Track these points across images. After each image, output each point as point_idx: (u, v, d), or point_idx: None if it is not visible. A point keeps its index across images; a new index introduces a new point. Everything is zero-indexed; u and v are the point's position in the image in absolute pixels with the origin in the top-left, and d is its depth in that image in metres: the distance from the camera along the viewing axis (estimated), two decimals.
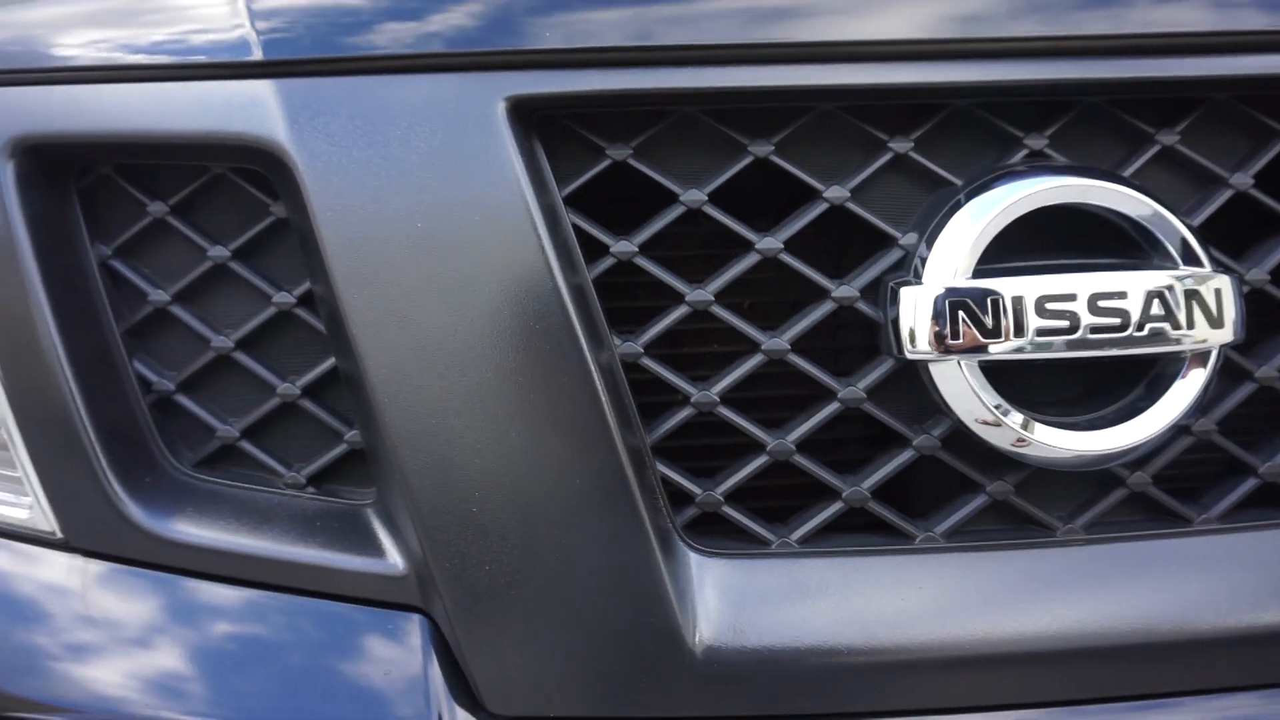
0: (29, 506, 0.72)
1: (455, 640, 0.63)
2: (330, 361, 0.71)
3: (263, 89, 0.65)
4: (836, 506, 0.67)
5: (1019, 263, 0.65)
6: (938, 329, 0.63)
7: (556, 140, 0.67)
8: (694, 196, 0.67)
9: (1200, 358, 0.63)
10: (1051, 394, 0.69)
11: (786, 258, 0.67)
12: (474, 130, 0.63)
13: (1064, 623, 0.62)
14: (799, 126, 0.68)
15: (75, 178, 0.74)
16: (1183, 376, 0.64)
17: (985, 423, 0.64)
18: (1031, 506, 0.67)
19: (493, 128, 0.63)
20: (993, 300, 0.62)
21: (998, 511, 0.68)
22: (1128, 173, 0.69)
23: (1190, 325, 0.63)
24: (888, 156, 0.68)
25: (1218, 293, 0.63)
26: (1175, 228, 0.64)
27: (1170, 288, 0.62)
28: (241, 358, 0.72)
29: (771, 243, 0.67)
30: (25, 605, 0.68)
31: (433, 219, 0.63)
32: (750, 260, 0.67)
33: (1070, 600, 0.63)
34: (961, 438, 0.66)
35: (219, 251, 0.72)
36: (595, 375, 0.62)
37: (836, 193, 0.68)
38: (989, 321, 0.62)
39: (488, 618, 0.62)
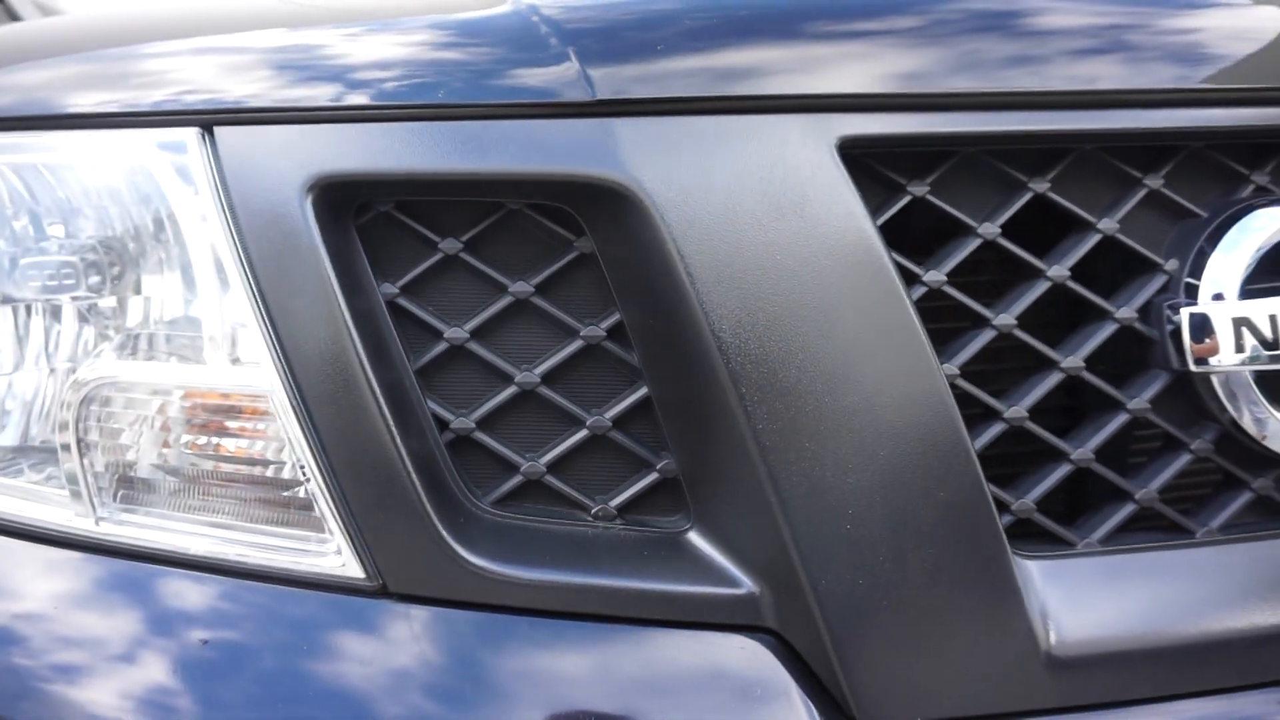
0: (335, 552, 0.69)
1: (825, 654, 0.65)
2: (641, 391, 0.73)
3: (607, 128, 0.67)
4: (1130, 508, 0.73)
5: (1265, 284, 0.74)
6: (1223, 344, 0.71)
7: (854, 177, 0.71)
8: (989, 229, 0.73)
9: None
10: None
11: (1072, 284, 0.74)
12: (812, 167, 0.67)
13: None
14: (1067, 165, 0.75)
15: (354, 215, 0.73)
16: None
17: (1257, 425, 0.72)
18: None
19: (827, 165, 0.67)
20: (1270, 316, 0.71)
21: (1255, 506, 0.76)
22: None
23: None
24: (1144, 192, 0.76)
25: None
26: None
27: None
28: (546, 392, 0.73)
29: (1060, 270, 0.74)
30: (356, 660, 0.66)
31: (788, 251, 0.66)
32: (1041, 287, 0.73)
33: None
34: (1228, 440, 0.74)
35: (522, 287, 0.73)
36: (949, 394, 0.66)
37: (1108, 224, 0.75)
38: (1269, 335, 0.71)
39: (862, 630, 0.65)
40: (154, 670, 0.65)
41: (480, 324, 0.73)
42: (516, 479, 0.73)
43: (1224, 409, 0.73)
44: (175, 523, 0.72)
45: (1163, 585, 0.70)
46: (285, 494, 0.71)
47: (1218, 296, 0.72)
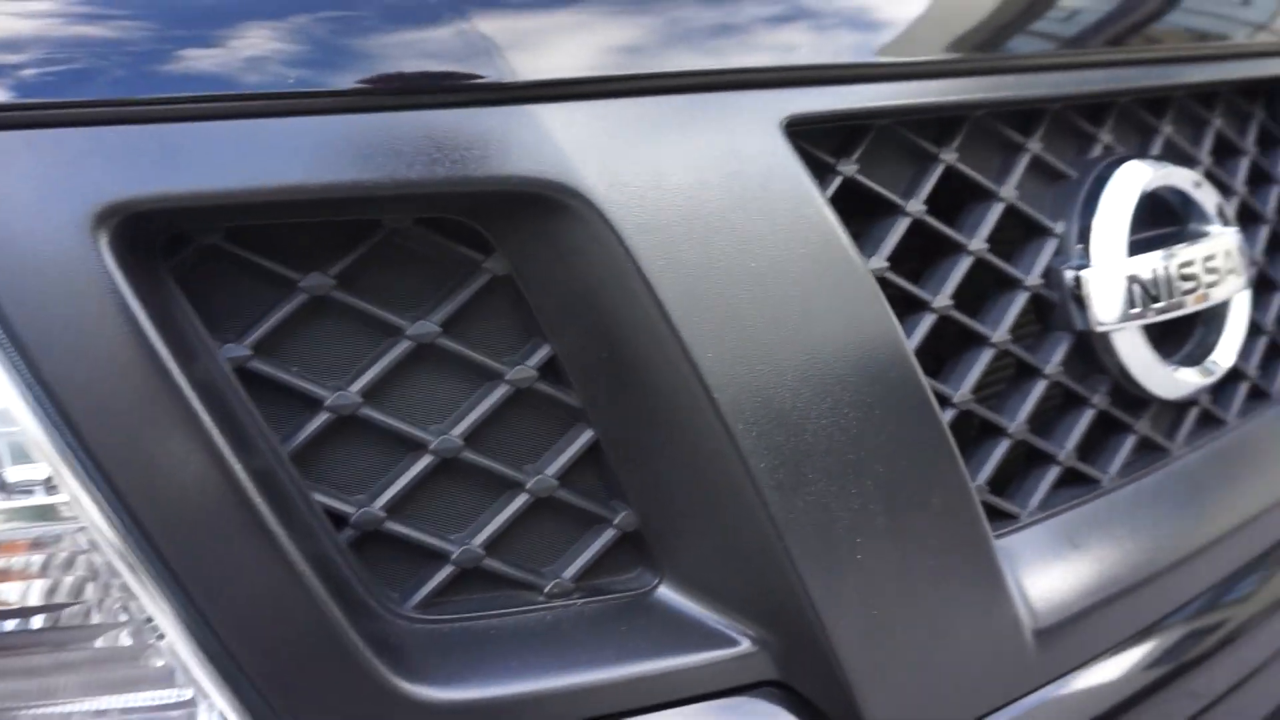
0: None
1: (841, 694, 0.58)
2: (585, 436, 0.60)
3: (529, 118, 0.52)
4: (1054, 471, 0.75)
5: (1144, 235, 0.78)
6: (1122, 302, 0.74)
7: None
8: (915, 207, 0.69)
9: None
10: None
11: (989, 256, 0.72)
12: (768, 153, 0.58)
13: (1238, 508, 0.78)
14: (965, 135, 0.73)
15: (162, 254, 0.51)
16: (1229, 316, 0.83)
17: (1144, 373, 0.77)
18: (1156, 435, 0.82)
19: (781, 149, 0.59)
20: (1153, 272, 0.75)
21: (1136, 446, 0.81)
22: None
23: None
24: (1028, 157, 0.77)
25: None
26: (1217, 200, 0.83)
27: (1233, 247, 0.81)
28: (471, 456, 0.57)
29: (979, 244, 0.72)
30: None
31: (759, 252, 0.56)
32: (966, 262, 0.71)
33: (1218, 493, 0.80)
34: (1118, 391, 0.78)
35: (424, 328, 0.56)
36: (930, 392, 0.62)
37: (1009, 192, 0.74)
38: (1154, 291, 0.75)
39: (882, 659, 0.59)
40: None
41: (372, 381, 0.56)
42: (447, 570, 0.57)
43: (1116, 361, 0.77)
44: None
45: (1101, 535, 0.73)
46: (129, 668, 0.49)
47: (1106, 255, 0.75)
